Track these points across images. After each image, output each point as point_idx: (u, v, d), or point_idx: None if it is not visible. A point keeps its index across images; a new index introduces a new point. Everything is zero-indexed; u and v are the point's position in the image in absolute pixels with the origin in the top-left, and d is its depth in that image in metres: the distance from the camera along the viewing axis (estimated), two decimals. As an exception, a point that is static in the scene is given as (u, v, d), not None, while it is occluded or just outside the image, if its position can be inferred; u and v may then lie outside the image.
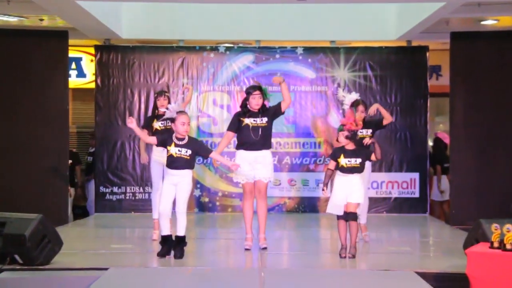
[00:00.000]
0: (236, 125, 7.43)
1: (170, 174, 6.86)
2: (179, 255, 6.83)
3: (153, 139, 7.02)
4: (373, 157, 7.04)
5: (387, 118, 8.02)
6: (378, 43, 11.47)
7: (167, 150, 6.85)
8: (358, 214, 7.06)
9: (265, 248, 7.37)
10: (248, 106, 7.36)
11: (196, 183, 11.12)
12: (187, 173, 6.85)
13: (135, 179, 11.14)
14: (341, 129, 7.04)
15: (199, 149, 6.96)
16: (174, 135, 6.86)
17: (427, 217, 10.95)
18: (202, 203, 11.22)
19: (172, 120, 6.92)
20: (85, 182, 11.80)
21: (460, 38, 10.24)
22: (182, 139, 6.82)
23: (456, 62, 10.28)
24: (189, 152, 6.81)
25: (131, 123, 6.74)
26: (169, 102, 7.83)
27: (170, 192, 6.81)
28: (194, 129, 11.03)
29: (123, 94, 11.22)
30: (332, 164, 7.06)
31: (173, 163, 6.82)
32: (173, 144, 6.82)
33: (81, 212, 11.69)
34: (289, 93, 7.45)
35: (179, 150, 6.80)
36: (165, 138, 6.94)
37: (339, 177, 7.00)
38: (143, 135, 7.22)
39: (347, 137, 6.98)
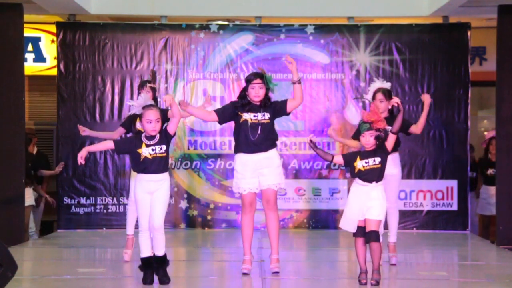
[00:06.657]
0: (227, 114, 7.45)
1: (145, 180, 6.91)
2: (167, 280, 6.90)
3: (110, 145, 7.10)
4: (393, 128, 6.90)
5: (419, 127, 7.91)
6: (407, 19, 11.48)
7: (137, 155, 6.88)
8: (381, 233, 7.04)
9: (276, 273, 7.42)
10: (248, 97, 7.40)
11: (183, 193, 11.15)
12: (165, 176, 6.95)
13: (107, 188, 11.16)
14: (366, 127, 6.87)
15: (166, 131, 6.93)
16: (143, 134, 6.93)
17: (467, 234, 10.98)
18: (191, 218, 11.23)
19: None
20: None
21: (510, 12, 10.24)
22: (153, 137, 6.89)
23: (505, 43, 10.27)
24: (164, 147, 6.89)
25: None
26: (154, 95, 7.84)
27: (148, 203, 6.90)
28: (180, 127, 11.04)
29: (92, 83, 11.23)
30: (339, 158, 7.04)
31: (150, 166, 6.87)
32: (143, 145, 6.88)
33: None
34: (302, 93, 7.39)
35: (152, 150, 6.86)
36: (129, 142, 7.00)
37: (356, 186, 7.00)
38: (103, 142, 7.48)
39: (377, 138, 6.86)
